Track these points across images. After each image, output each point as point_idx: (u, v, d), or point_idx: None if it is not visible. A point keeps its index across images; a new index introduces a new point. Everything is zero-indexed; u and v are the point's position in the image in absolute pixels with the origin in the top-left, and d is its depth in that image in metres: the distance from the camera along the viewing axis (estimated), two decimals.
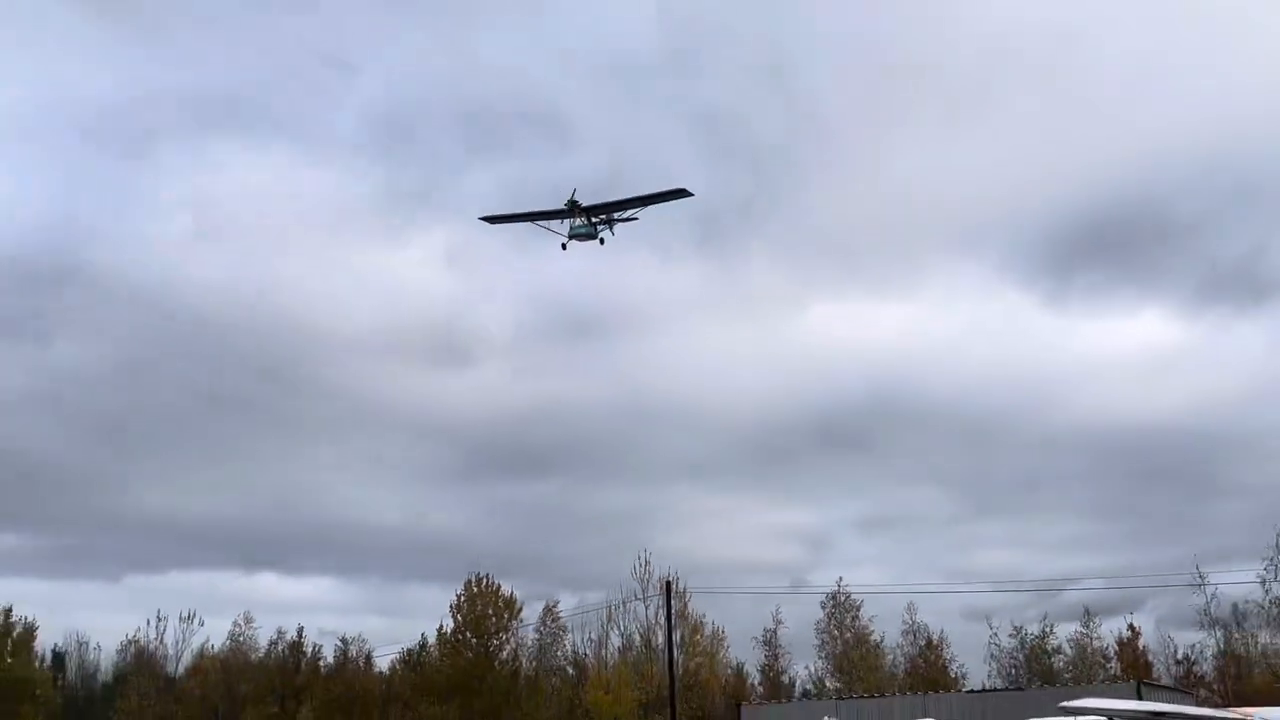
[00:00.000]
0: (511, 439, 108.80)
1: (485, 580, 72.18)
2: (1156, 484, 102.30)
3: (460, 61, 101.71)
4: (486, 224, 54.97)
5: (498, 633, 71.54)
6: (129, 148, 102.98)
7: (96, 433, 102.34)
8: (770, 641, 74.75)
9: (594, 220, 51.88)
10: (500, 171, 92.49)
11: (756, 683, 75.84)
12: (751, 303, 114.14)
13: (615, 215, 52.99)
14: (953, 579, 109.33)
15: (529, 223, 53.05)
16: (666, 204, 51.72)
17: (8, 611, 77.29)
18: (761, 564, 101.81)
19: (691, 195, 50.46)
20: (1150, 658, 68.50)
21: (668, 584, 66.38)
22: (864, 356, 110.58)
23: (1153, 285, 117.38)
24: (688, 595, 69.00)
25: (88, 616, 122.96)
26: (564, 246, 53.00)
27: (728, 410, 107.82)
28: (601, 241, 53.29)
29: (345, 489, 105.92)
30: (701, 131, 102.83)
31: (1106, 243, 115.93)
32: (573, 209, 51.27)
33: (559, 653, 77.20)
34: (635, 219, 53.32)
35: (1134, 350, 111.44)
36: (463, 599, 71.98)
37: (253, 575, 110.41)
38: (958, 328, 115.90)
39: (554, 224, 51.95)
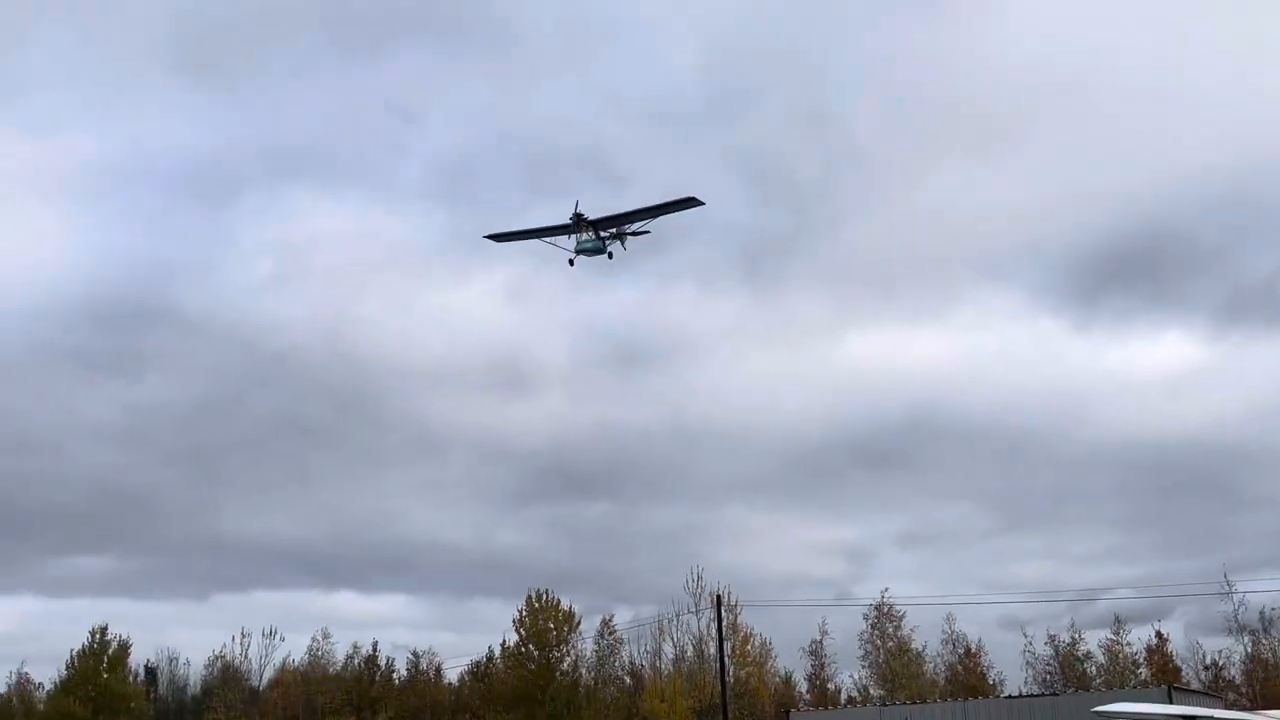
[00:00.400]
0: (570, 462, 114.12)
1: (546, 595, 74.90)
2: (1183, 497, 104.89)
3: (518, 109, 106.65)
4: (494, 243, 52.60)
5: (558, 645, 74.04)
6: (213, 197, 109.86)
7: (185, 462, 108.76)
8: (816, 652, 76.42)
9: (602, 235, 50.16)
10: (557, 212, 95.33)
11: (804, 691, 77.53)
12: (793, 331, 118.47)
13: (625, 228, 51.06)
14: (989, 590, 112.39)
15: (535, 239, 51.04)
16: (679, 214, 48.57)
17: (104, 630, 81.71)
18: (807, 578, 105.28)
19: (702, 204, 48.13)
20: (1179, 663, 70.13)
21: (718, 598, 68.31)
22: (901, 380, 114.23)
23: (1177, 308, 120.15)
24: (738, 608, 70.82)
25: (178, 634, 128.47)
26: (571, 262, 51.05)
27: (772, 432, 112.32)
28: (610, 256, 51.01)
29: (416, 512, 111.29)
30: (744, 170, 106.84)
31: (1132, 268, 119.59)
32: (578, 223, 49.43)
33: (616, 664, 78.89)
34: (647, 232, 51.26)
35: (1159, 370, 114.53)
36: (525, 614, 74.73)
37: (331, 594, 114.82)
38: (990, 352, 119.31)
39: (560, 239, 50.13)
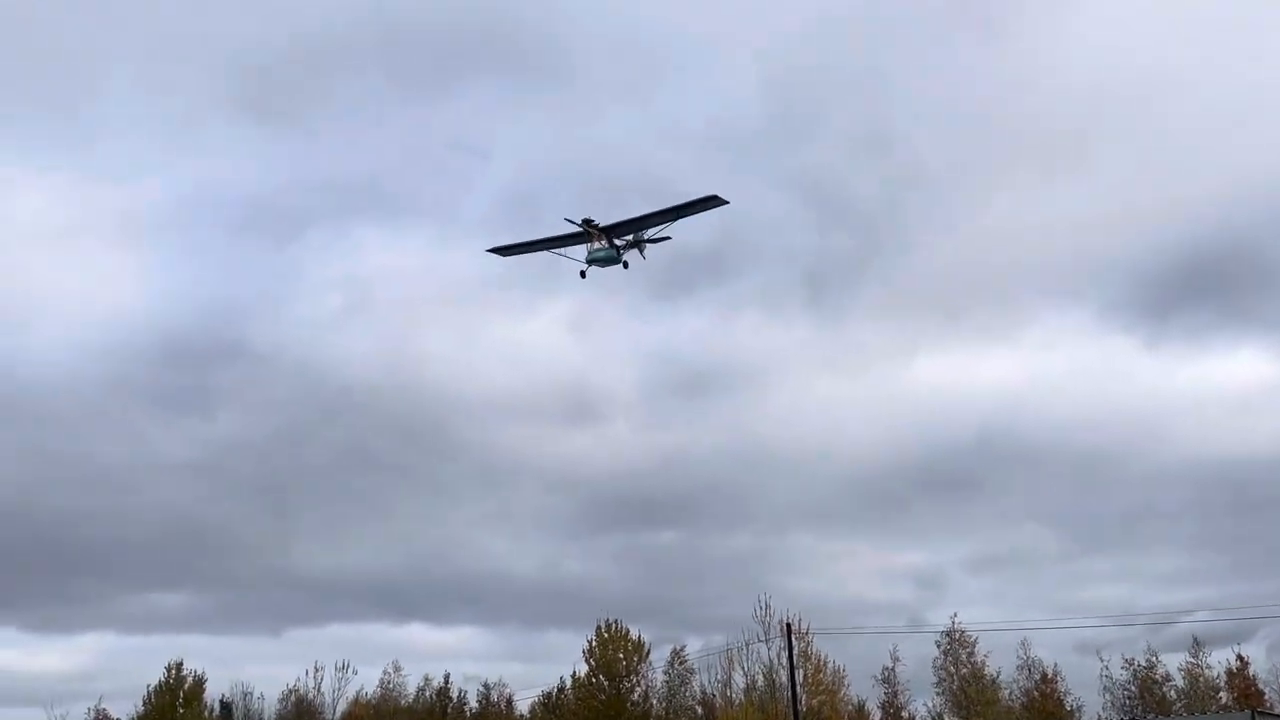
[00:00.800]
0: (637, 491, 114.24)
1: (615, 625, 75.14)
2: (1260, 515, 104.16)
3: (580, 140, 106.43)
4: (499, 256, 50.63)
5: (628, 675, 74.39)
6: (282, 234, 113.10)
7: (258, 497, 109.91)
8: (889, 679, 75.80)
9: (616, 243, 47.77)
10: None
11: (878, 719, 76.92)
12: (859, 355, 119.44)
13: (642, 234, 48.99)
14: (1063, 614, 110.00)
15: (544, 251, 48.92)
16: (699, 216, 46.04)
17: (179, 665, 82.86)
18: (878, 604, 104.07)
19: (725, 202, 45.26)
20: (1262, 687, 68.89)
21: (788, 626, 68.40)
22: (969, 402, 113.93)
23: (1250, 324, 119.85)
24: (808, 636, 70.58)
25: (252, 668, 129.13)
26: (583, 274, 48.87)
27: (839, 458, 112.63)
28: (625, 265, 48.71)
29: (485, 542, 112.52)
30: (807, 194, 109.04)
31: (1203, 284, 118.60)
32: (588, 231, 47.26)
33: (687, 694, 78.67)
34: (667, 238, 48.63)
35: (1233, 387, 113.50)
36: (595, 644, 74.99)
37: (402, 626, 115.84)
38: (1060, 371, 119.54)
39: (571, 250, 48.16)
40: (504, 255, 49.86)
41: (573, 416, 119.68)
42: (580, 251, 48.50)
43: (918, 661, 74.98)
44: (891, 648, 75.58)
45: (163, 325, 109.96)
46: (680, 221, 47.88)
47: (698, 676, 78.44)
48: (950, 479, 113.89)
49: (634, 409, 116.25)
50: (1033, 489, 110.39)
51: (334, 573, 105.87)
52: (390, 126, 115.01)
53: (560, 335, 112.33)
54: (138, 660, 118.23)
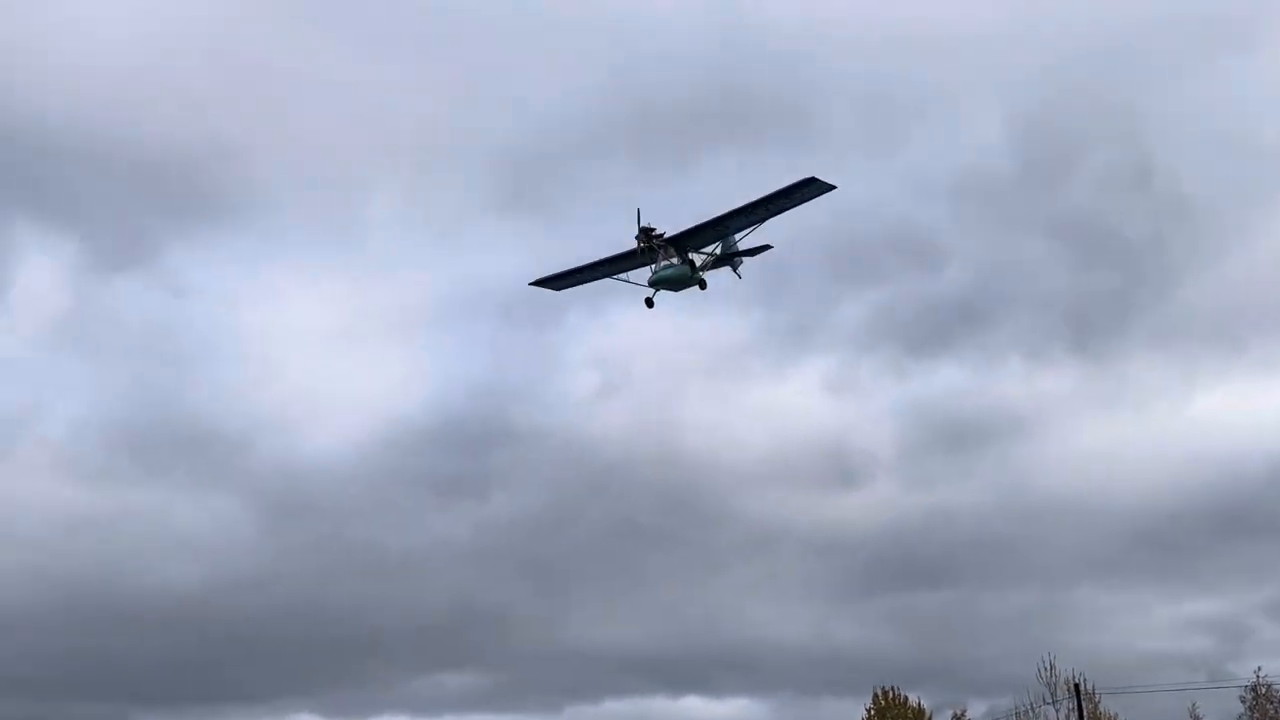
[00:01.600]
0: (905, 550, 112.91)
1: (892, 691, 75.57)
2: None
3: (824, 201, 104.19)
4: (551, 290, 44.20)
5: None
6: (540, 319, 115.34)
7: (532, 575, 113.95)
8: None
9: (690, 256, 39.17)
10: (871, 299, 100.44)
11: None
12: (1132, 396, 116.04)
13: (733, 245, 41.19)
14: None
15: (601, 277, 41.58)
16: (801, 205, 38.30)
17: None
18: (1171, 658, 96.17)
19: (831, 186, 37.47)
20: None
21: (1076, 686, 67.94)
22: (1256, 436, 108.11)
23: None
24: (1097, 696, 69.62)
25: None
26: (649, 303, 40.75)
27: (1118, 505, 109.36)
28: (703, 285, 40.53)
29: (754, 609, 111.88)
30: (1066, 235, 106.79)
31: None
32: (649, 245, 38.30)
33: None
34: (766, 248, 41.72)
35: None
36: (872, 711, 75.47)
37: (677, 699, 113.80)
38: None
39: (632, 274, 40.42)
40: (555, 288, 44.18)
41: (834, 478, 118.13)
42: (647, 274, 40.96)
43: (1223, 718, 73.55)
44: (1190, 706, 72.63)
45: (436, 414, 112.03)
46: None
47: None
48: (1243, 519, 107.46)
49: (896, 467, 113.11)
50: None
51: (608, 646, 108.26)
52: (635, 206, 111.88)
53: (817, 396, 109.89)
54: None
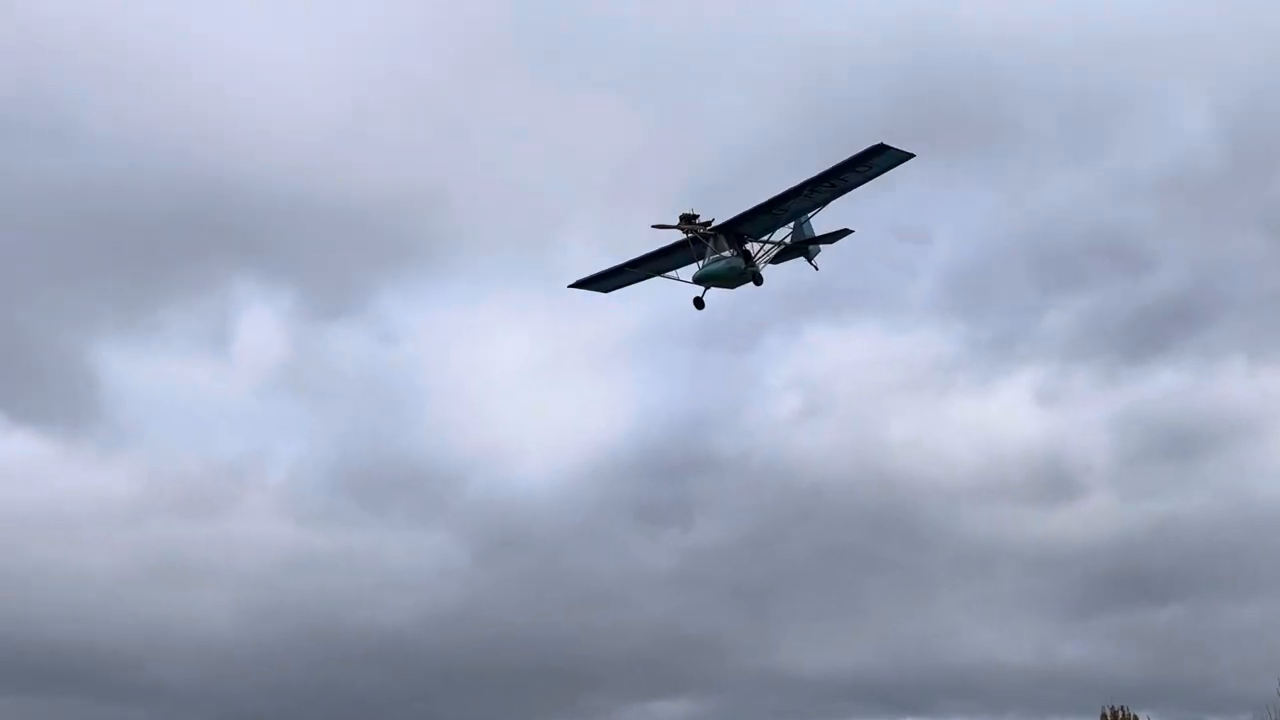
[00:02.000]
0: (1128, 564, 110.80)
1: (1122, 711, 74.79)
2: None
3: (1025, 209, 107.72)
4: (598, 293, 40.87)
5: None
6: (737, 345, 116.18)
7: (739, 601, 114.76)
8: None
9: (745, 248, 34.88)
10: (1079, 306, 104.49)
11: None
12: None
13: (805, 230, 37.03)
14: None
15: (648, 276, 37.55)
16: (880, 177, 33.44)
17: None
18: None
19: (909, 155, 32.54)
20: None
21: None
22: None
23: None
24: None
25: None
26: (698, 303, 36.83)
27: None
28: (758, 281, 36.06)
29: (971, 630, 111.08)
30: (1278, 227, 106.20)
31: None
32: (697, 235, 34.30)
33: None
34: (846, 232, 37.58)
35: None
36: None
37: None
38: None
39: (684, 272, 36.54)
40: (600, 289, 41.06)
41: (1049, 491, 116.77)
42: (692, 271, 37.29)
43: None
44: None
45: (639, 443, 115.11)
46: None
47: None
48: None
49: (1115, 477, 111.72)
50: None
51: (823, 671, 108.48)
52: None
53: (1027, 408, 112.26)
54: None
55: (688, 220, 33.68)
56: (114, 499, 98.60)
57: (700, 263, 35.06)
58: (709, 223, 34.06)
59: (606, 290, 40.93)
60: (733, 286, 35.74)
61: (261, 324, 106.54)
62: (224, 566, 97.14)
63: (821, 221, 39.02)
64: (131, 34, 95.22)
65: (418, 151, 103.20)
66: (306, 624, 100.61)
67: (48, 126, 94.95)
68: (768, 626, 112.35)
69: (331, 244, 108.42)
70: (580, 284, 40.52)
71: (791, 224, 37.40)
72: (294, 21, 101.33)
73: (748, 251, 35.05)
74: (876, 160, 31.75)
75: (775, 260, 39.01)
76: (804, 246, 38.17)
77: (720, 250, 34.78)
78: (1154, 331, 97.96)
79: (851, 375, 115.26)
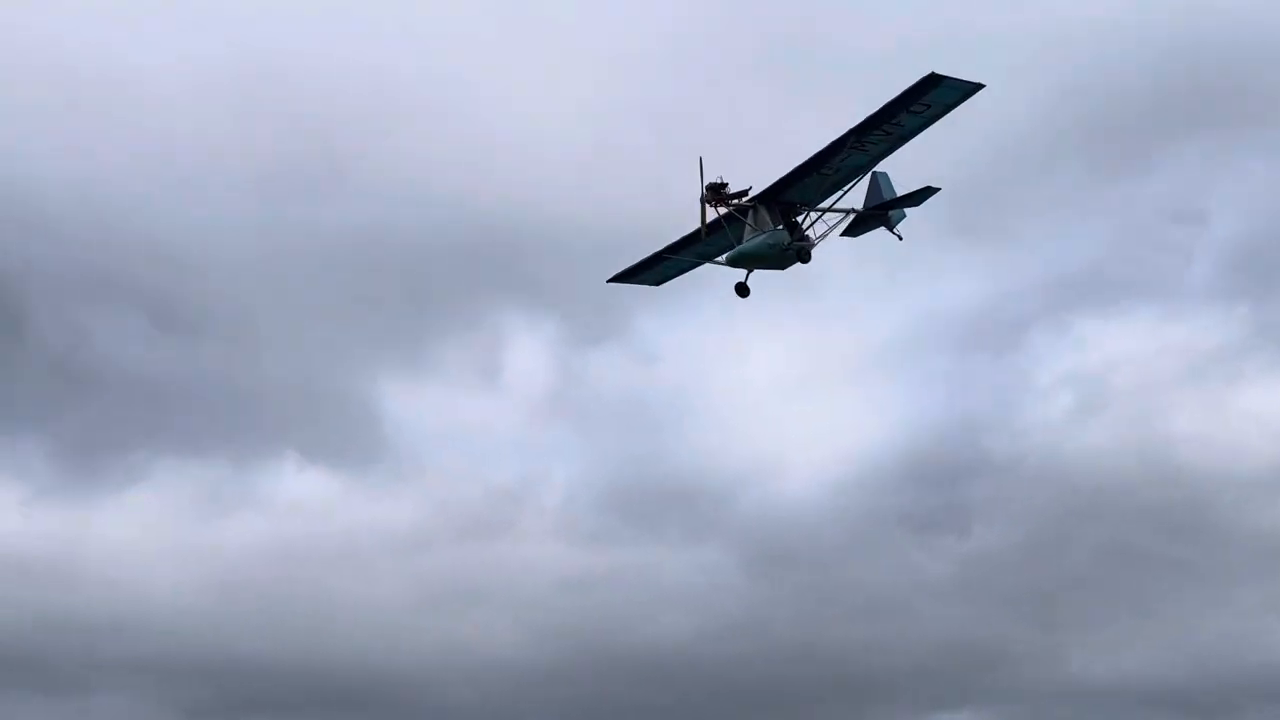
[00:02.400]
0: None
1: None
2: None
3: None
4: (650, 286, 36.70)
5: None
6: (1002, 343, 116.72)
7: (1022, 607, 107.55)
8: None
9: (794, 218, 29.66)
10: None
11: None
12: None
13: (879, 195, 32.90)
14: None
15: (690, 265, 33.65)
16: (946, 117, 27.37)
17: None
18: None
19: (978, 86, 26.52)
20: None
21: None
22: None
23: None
24: None
25: None
26: (741, 290, 32.16)
27: None
28: (804, 258, 30.54)
29: (1277, 629, 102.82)
30: None
31: None
32: (733, 211, 29.14)
33: None
34: (930, 191, 32.21)
35: None
36: None
37: None
38: None
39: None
40: (645, 282, 36.88)
41: None
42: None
43: None
44: None
45: (906, 451, 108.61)
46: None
47: None
48: None
49: None
50: None
51: (1119, 679, 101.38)
52: (1095, 212, 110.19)
53: None
54: None
55: (715, 191, 28.42)
56: (400, 529, 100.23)
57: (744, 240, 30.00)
58: (744, 192, 28.72)
59: (654, 283, 36.54)
60: (780, 267, 30.27)
61: (529, 354, 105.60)
62: (505, 589, 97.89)
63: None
64: (404, 85, 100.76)
65: (666, 172, 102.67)
66: (585, 643, 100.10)
67: (325, 176, 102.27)
68: (1054, 633, 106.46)
69: (587, 271, 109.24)
70: (619, 278, 36.13)
71: (859, 187, 31.36)
72: (539, 52, 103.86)
73: (795, 223, 29.66)
74: (933, 94, 26.00)
75: (851, 232, 33.30)
76: (882, 213, 32.80)
77: (761, 225, 29.43)
78: None
79: (1126, 368, 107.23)
